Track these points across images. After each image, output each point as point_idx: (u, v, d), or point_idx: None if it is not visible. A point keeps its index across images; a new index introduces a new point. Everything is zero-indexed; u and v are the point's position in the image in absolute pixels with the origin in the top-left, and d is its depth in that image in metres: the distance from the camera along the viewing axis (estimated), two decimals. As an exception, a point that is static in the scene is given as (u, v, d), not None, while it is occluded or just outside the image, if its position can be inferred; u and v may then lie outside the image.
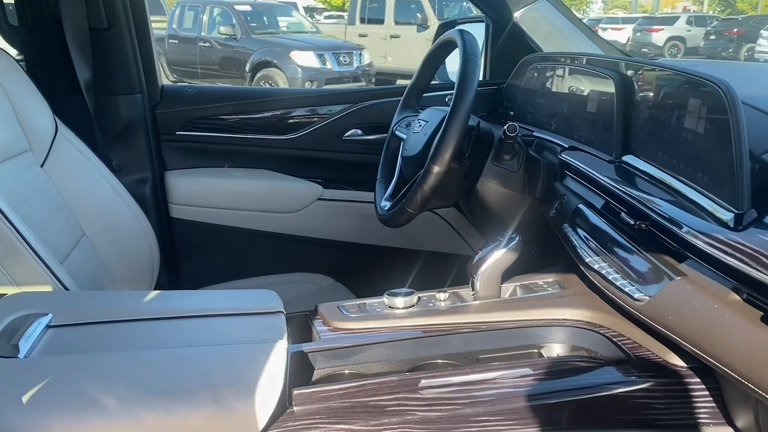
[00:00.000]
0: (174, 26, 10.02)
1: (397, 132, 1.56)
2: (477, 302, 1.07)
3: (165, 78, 9.89)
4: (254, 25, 9.81)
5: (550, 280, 1.15)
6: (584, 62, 1.38)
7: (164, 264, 1.69)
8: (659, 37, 16.69)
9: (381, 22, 11.42)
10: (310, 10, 18.09)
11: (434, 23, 10.76)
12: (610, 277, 0.94)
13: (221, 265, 1.85)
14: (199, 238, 1.84)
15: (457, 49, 1.34)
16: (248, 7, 10.41)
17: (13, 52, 1.67)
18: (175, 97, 1.82)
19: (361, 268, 1.86)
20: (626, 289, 0.90)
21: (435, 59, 1.52)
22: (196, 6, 10.17)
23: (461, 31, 1.32)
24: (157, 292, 1.03)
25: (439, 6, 11.14)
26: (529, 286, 1.13)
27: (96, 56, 1.60)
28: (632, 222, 0.98)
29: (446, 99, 1.67)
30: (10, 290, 1.07)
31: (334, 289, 1.67)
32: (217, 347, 0.86)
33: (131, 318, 0.94)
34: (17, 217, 1.10)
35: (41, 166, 1.46)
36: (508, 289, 1.13)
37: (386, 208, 1.41)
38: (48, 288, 1.08)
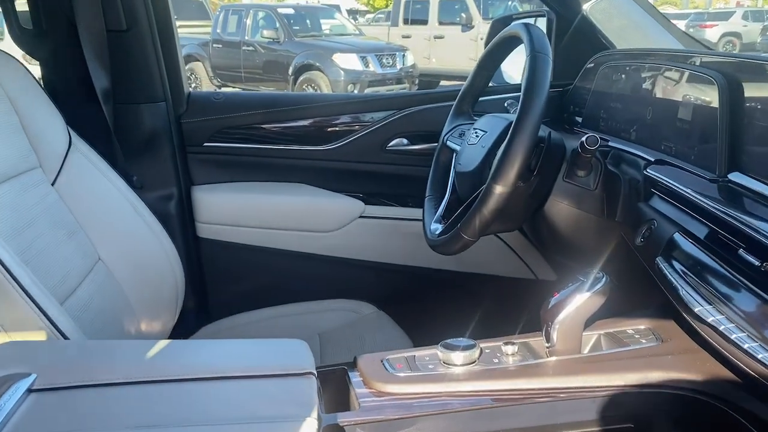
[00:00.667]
0: (218, 31, 10.02)
1: (448, 143, 1.37)
2: (553, 359, 0.86)
3: (209, 82, 9.95)
4: (297, 28, 9.76)
5: (642, 327, 0.93)
6: (675, 60, 1.16)
7: (190, 289, 1.53)
8: (713, 33, 15.99)
9: (424, 22, 11.22)
10: (353, 12, 17.99)
11: (479, 23, 10.50)
12: (733, 337, 0.72)
13: (253, 289, 1.68)
14: (229, 260, 1.68)
15: (520, 46, 1.15)
16: (291, 11, 10.37)
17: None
18: (203, 105, 1.65)
19: (407, 295, 1.67)
20: (759, 356, 0.68)
21: (494, 58, 1.32)
22: (240, 10, 10.18)
23: (527, 25, 1.12)
24: (164, 342, 0.86)
25: (484, 5, 10.86)
26: (616, 336, 0.92)
27: (114, 61, 1.44)
28: (757, 263, 0.76)
29: (505, 104, 1.47)
30: (-3, 337, 0.92)
31: (376, 319, 1.48)
32: (227, 427, 0.68)
33: (128, 380, 0.76)
34: (7, 250, 0.95)
35: (52, 184, 1.31)
36: (589, 339, 0.92)
37: (437, 232, 1.22)
38: (41, 334, 0.93)
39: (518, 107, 1.02)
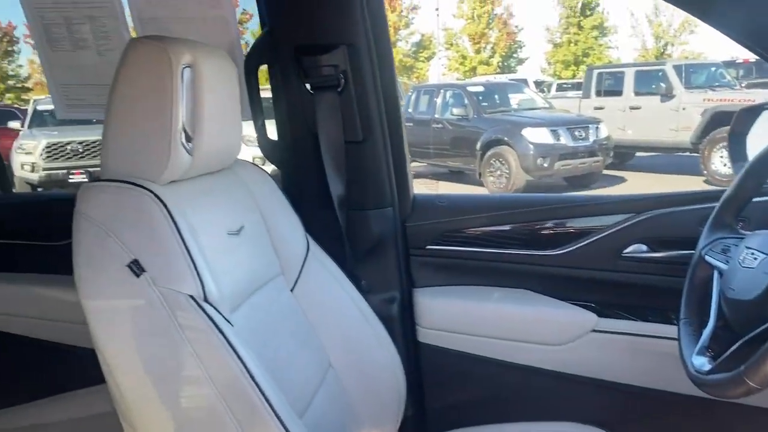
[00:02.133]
0: (410, 110, 10.49)
1: (708, 258, 1.20)
2: None
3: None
4: (486, 104, 9.91)
5: None
6: None
7: (410, 398, 1.48)
8: None
9: (618, 93, 10.84)
10: (539, 84, 17.88)
11: (681, 92, 9.90)
12: None
13: (472, 402, 1.59)
14: (448, 368, 1.61)
15: None
16: (481, 88, 10.59)
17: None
18: (427, 208, 1.65)
19: (646, 422, 1.48)
20: None
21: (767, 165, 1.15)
22: (431, 90, 10.60)
23: None
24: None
25: (686, 74, 10.23)
26: None
27: (349, 169, 1.49)
28: None
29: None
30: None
31: (613, 451, 1.32)
32: None
33: None
34: (259, 367, 0.96)
35: (291, 290, 1.35)
36: None
37: (705, 369, 1.05)
38: None
39: None
